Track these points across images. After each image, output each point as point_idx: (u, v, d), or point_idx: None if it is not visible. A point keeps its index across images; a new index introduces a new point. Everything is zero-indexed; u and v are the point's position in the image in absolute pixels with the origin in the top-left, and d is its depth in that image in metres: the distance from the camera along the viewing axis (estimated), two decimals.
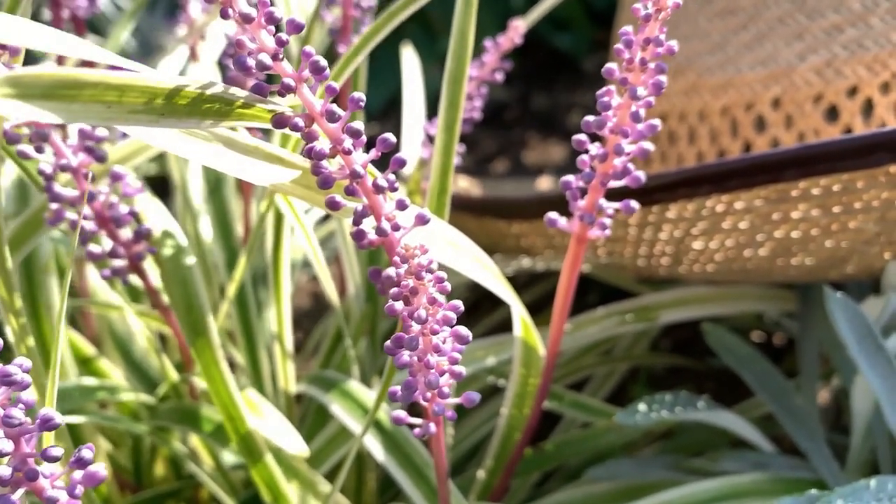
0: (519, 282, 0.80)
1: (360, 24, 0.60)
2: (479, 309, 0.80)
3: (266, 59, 0.32)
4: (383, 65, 1.04)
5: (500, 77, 0.60)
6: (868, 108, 0.61)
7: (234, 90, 0.33)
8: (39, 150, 0.42)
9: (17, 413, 0.30)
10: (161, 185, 0.82)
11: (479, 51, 0.59)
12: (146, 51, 1.03)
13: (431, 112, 0.66)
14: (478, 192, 0.92)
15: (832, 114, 0.62)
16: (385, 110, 1.17)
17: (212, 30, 0.70)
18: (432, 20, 1.19)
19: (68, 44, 0.31)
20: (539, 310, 0.73)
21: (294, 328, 0.61)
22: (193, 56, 0.68)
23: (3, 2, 0.46)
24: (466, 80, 0.46)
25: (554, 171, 1.14)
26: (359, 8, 0.59)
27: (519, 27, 0.57)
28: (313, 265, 0.55)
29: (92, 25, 1.01)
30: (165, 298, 0.56)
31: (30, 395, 0.31)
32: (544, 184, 1.02)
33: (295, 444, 0.49)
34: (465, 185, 0.91)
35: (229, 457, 0.58)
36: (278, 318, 0.59)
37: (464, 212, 0.62)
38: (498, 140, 1.22)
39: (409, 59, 0.73)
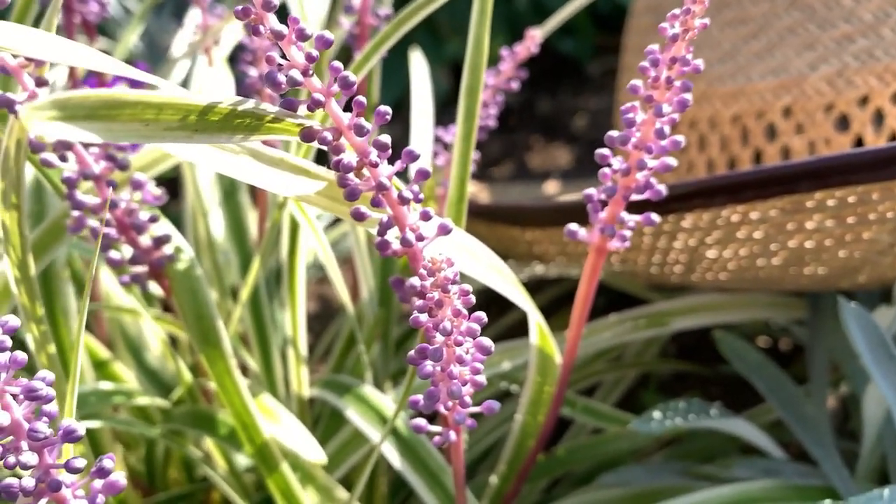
0: (528, 287, 0.81)
1: (376, 31, 0.61)
2: (489, 312, 0.80)
3: (297, 75, 0.32)
4: (391, 67, 1.04)
5: (515, 85, 0.61)
6: (879, 117, 0.61)
7: (265, 105, 0.34)
8: (63, 158, 0.42)
9: (42, 427, 0.30)
10: (172, 185, 0.83)
11: (491, 57, 0.59)
12: (154, 53, 1.03)
13: (439, 115, 0.67)
14: (485, 196, 0.92)
15: (843, 123, 0.63)
16: (393, 111, 1.17)
17: (225, 34, 0.71)
18: (439, 25, 1.19)
19: (79, 54, 0.32)
20: (549, 315, 0.73)
21: (305, 329, 0.62)
22: (209, 60, 0.68)
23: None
24: (482, 89, 0.46)
25: (559, 174, 1.15)
26: (375, 16, 0.60)
27: (535, 36, 0.58)
28: (326, 269, 0.55)
29: (100, 28, 1.01)
30: None
31: (53, 406, 0.31)
32: (551, 188, 1.03)
33: (313, 452, 0.49)
34: (472, 189, 0.92)
35: (242, 459, 0.59)
36: (293, 323, 0.59)
37: (477, 218, 0.63)
38: (502, 144, 1.22)
39: (418, 64, 0.74)
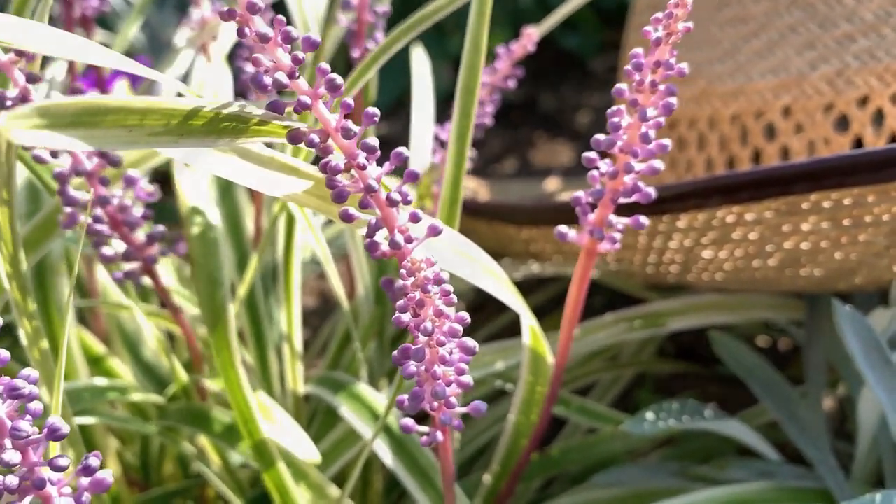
0: (525, 285, 0.81)
1: (374, 28, 0.60)
2: (484, 311, 0.80)
3: (283, 77, 0.32)
4: (392, 63, 1.04)
5: (512, 84, 0.60)
6: (879, 118, 0.61)
7: (250, 108, 0.33)
8: (55, 154, 0.42)
9: (25, 426, 0.30)
10: (168, 180, 0.82)
11: (489, 53, 0.59)
12: (155, 46, 1.03)
13: (440, 112, 0.66)
14: (485, 193, 0.92)
15: (843, 123, 0.62)
16: (393, 108, 1.17)
17: (225, 30, 0.70)
18: (442, 20, 1.19)
19: (78, 47, 0.32)
20: (546, 313, 0.73)
21: (301, 326, 0.62)
22: (206, 56, 0.68)
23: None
24: (479, 89, 0.46)
25: (561, 171, 1.14)
26: (373, 13, 0.59)
27: (532, 34, 0.58)
28: (323, 266, 0.55)
29: (101, 21, 1.01)
30: (176, 299, 0.57)
31: (37, 404, 0.31)
32: (552, 184, 1.02)
33: (307, 452, 0.49)
34: (472, 186, 0.92)
35: (237, 456, 0.59)
36: (288, 319, 0.59)
37: (473, 217, 0.62)
38: (505, 140, 1.22)
39: (420, 61, 0.73)
